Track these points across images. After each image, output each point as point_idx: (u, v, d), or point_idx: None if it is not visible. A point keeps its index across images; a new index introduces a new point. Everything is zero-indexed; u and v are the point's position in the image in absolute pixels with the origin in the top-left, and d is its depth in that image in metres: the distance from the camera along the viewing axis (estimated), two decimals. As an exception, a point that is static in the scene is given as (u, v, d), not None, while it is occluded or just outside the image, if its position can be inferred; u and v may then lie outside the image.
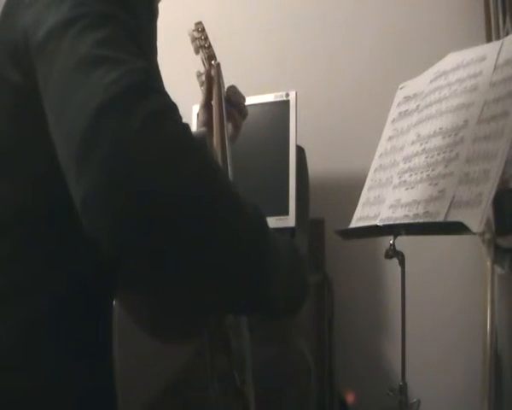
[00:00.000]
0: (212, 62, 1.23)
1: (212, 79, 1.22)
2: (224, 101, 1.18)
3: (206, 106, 1.22)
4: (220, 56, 1.26)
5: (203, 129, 0.95)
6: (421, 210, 1.06)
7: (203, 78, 1.24)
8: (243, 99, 1.24)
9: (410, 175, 1.14)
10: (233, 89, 1.23)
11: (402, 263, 1.16)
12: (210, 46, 1.26)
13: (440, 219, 0.99)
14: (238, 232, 0.63)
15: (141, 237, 0.57)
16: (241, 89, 1.24)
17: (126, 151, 0.56)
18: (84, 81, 0.59)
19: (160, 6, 0.83)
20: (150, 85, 0.61)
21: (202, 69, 1.26)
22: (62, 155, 0.60)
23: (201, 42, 1.26)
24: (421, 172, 1.11)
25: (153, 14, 0.74)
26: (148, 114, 0.57)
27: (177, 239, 0.58)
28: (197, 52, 1.27)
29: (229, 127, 1.18)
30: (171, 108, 0.62)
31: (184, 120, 0.62)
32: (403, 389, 1.15)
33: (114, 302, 0.66)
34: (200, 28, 1.27)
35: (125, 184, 0.55)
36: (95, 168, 0.56)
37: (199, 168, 0.60)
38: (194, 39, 1.27)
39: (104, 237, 0.57)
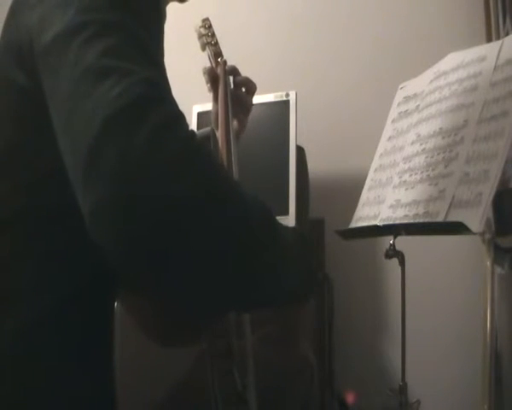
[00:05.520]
0: (219, 59, 1.22)
1: (218, 77, 1.20)
2: (229, 98, 1.17)
3: (217, 101, 1.20)
4: (220, 57, 1.25)
5: (208, 128, 0.94)
6: (421, 210, 1.06)
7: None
8: (251, 90, 1.23)
9: (410, 175, 1.14)
10: (243, 80, 1.22)
11: (402, 263, 1.16)
12: (217, 43, 1.24)
13: (440, 219, 0.99)
14: (247, 238, 0.63)
15: (148, 250, 0.57)
16: (241, 88, 1.24)
17: (132, 167, 0.55)
18: (91, 93, 0.58)
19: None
20: (157, 96, 0.60)
21: (208, 66, 1.24)
22: (70, 166, 0.60)
23: (208, 38, 1.24)
24: (421, 172, 1.11)
25: (160, 17, 0.73)
26: (154, 127, 0.57)
27: (185, 249, 0.58)
28: (204, 49, 1.25)
29: (234, 123, 1.17)
30: (178, 118, 0.61)
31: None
32: (403, 389, 1.15)
33: (116, 304, 0.66)
34: (207, 25, 1.25)
35: (132, 200, 0.55)
36: (101, 184, 0.56)
37: (205, 178, 0.60)
38: (200, 36, 1.25)
39: (111, 251, 0.58)
